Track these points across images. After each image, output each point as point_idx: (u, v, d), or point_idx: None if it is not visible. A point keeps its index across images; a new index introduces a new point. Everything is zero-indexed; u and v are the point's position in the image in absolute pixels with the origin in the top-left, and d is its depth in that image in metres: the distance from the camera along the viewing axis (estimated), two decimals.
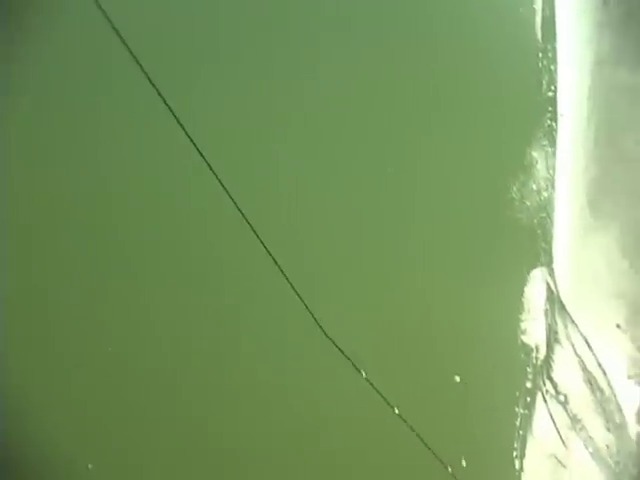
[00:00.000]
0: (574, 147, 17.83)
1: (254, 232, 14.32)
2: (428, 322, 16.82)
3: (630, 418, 16.45)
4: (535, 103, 18.25)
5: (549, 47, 18.43)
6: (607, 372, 16.65)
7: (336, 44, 18.26)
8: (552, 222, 17.62)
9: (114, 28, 11.79)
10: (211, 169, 13.53)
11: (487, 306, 16.96)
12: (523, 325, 17.18)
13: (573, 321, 17.00)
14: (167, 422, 16.11)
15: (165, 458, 15.94)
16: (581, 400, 16.73)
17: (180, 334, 16.55)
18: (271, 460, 16.07)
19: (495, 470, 16.53)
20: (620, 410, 16.47)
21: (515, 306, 17.26)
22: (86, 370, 16.20)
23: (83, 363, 16.25)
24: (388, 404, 15.29)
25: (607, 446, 16.40)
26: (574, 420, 16.64)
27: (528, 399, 16.89)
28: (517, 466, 16.57)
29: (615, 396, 16.54)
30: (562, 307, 17.13)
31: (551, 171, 17.87)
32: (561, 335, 17.06)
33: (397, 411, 15.45)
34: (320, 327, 15.39)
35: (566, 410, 16.73)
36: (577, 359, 16.87)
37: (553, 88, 18.23)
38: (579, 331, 16.93)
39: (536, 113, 18.19)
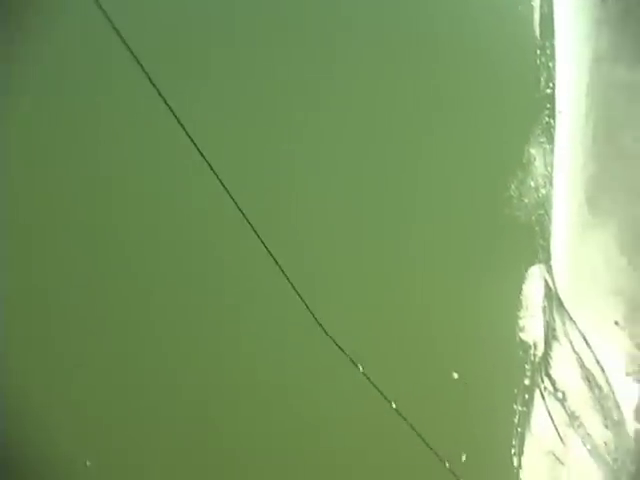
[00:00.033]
0: (572, 144, 17.82)
1: (254, 232, 14.28)
2: (426, 319, 16.84)
3: (628, 415, 16.43)
4: (533, 100, 18.24)
5: (547, 44, 18.42)
6: (605, 369, 16.64)
7: (336, 44, 18.31)
8: (550, 219, 17.63)
9: (114, 28, 11.73)
10: (212, 169, 13.47)
11: (485, 303, 16.95)
12: (521, 322, 17.19)
13: (571, 318, 17.00)
14: (167, 421, 16.16)
15: (165, 458, 15.99)
16: (579, 397, 16.73)
17: (180, 333, 16.61)
18: (270, 455, 16.13)
19: (493, 467, 16.56)
20: (618, 407, 16.46)
21: (513, 303, 17.26)
22: (86, 370, 16.25)
23: (83, 363, 16.29)
24: (385, 398, 15.30)
25: (605, 443, 16.40)
26: (572, 417, 16.65)
27: (526, 396, 16.90)
28: (515, 463, 16.58)
29: (613, 393, 16.54)
30: (560, 304, 17.13)
31: (549, 168, 17.88)
32: (559, 332, 17.06)
33: (394, 406, 15.48)
34: (320, 325, 15.37)
35: (564, 407, 16.74)
36: (575, 356, 16.86)
37: (551, 85, 18.22)
38: (577, 328, 16.93)
39: (534, 110, 18.18)
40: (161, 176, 17.26)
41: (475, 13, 18.57)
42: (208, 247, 16.97)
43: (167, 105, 12.61)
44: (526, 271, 17.40)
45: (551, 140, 17.99)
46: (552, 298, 17.22)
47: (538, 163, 17.88)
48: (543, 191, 17.76)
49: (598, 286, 16.92)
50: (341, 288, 16.99)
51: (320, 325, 15.31)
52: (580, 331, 16.92)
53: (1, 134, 16.91)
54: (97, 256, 16.89)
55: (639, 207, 17.01)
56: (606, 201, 17.26)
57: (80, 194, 17.09)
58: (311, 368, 16.36)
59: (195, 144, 13.09)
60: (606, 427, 16.50)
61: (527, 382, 17.00)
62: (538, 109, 18.16)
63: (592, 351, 16.78)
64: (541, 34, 18.52)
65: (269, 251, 14.62)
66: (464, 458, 16.09)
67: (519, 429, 16.76)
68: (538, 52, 18.40)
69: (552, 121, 18.07)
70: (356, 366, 15.61)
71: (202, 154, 13.19)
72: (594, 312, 16.91)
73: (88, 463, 15.76)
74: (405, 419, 15.43)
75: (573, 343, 16.93)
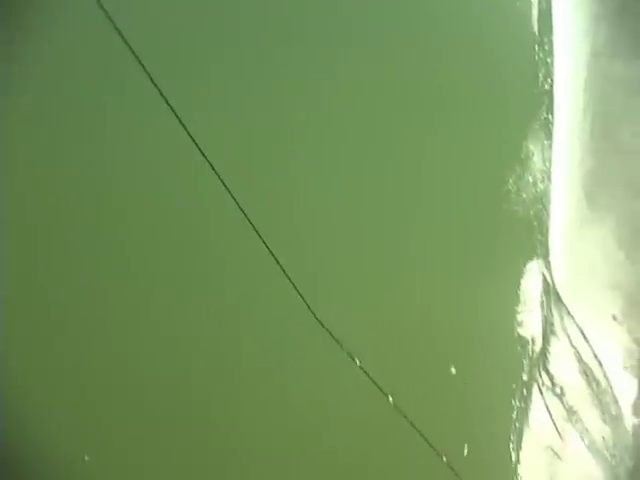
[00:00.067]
0: (570, 139, 17.82)
1: (256, 232, 14.28)
2: (424, 314, 16.83)
3: (626, 410, 16.42)
4: (532, 96, 18.24)
5: (546, 40, 18.44)
6: (603, 364, 16.61)
7: (337, 43, 18.34)
8: (548, 214, 17.63)
9: (116, 28, 11.74)
10: (213, 169, 13.49)
11: (483, 298, 16.95)
12: (519, 317, 17.19)
13: (569, 313, 16.99)
14: (167, 421, 16.17)
15: (165, 458, 16.02)
16: (577, 392, 16.72)
17: (180, 332, 16.63)
18: (267, 450, 16.17)
19: (492, 462, 16.54)
20: (616, 402, 16.44)
21: (511, 298, 17.27)
22: (86, 370, 16.27)
23: (83, 363, 16.31)
24: (382, 392, 15.29)
25: (603, 438, 16.38)
26: (570, 412, 16.63)
27: (524, 391, 16.89)
28: (514, 458, 16.58)
29: (611, 388, 16.52)
30: (558, 299, 17.12)
31: (547, 163, 17.88)
32: (557, 327, 17.05)
33: (391, 399, 15.47)
34: (316, 317, 15.35)
35: (562, 402, 16.73)
36: (573, 351, 16.85)
37: (550, 81, 18.23)
38: (575, 323, 16.91)
39: (533, 106, 18.18)
40: (161, 176, 17.30)
41: (474, 9, 18.60)
42: (209, 246, 17.01)
43: (169, 105, 12.62)
44: (524, 266, 17.40)
45: (549, 135, 17.99)
46: (550, 293, 17.22)
47: (536, 158, 17.88)
48: (541, 186, 17.76)
49: (596, 281, 16.91)
50: (339, 283, 17.01)
51: (316, 317, 15.30)
52: (578, 326, 16.91)
53: (1, 134, 16.98)
54: (97, 256, 16.91)
55: (637, 202, 17.01)
56: (604, 196, 17.25)
57: (80, 194, 17.13)
58: (312, 366, 16.40)
59: (196, 143, 13.10)
60: (604, 422, 16.48)
61: (525, 377, 17.00)
62: (536, 105, 18.16)
63: (590, 346, 16.76)
64: (539, 30, 18.54)
65: (270, 250, 14.61)
66: (465, 451, 16.10)
67: (517, 424, 16.76)
68: (536, 48, 18.43)
69: (550, 116, 18.08)
70: (353, 360, 15.61)
71: (203, 153, 13.19)
72: (592, 307, 16.90)
73: (86, 458, 15.82)
74: (402, 414, 15.42)
75: (571, 338, 16.92)
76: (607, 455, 16.33)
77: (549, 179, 17.77)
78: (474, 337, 16.70)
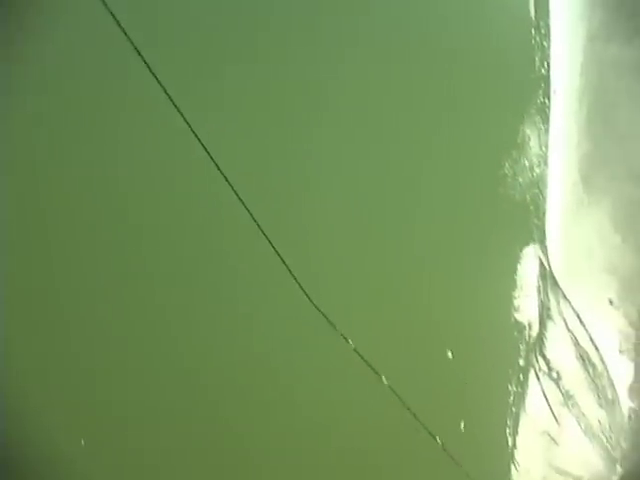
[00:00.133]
0: (567, 124, 17.74)
1: (261, 230, 14.28)
2: (420, 299, 16.83)
3: (622, 394, 16.37)
4: (528, 80, 18.15)
5: (542, 24, 18.36)
6: (599, 348, 16.56)
7: (337, 43, 18.33)
8: (545, 198, 17.55)
9: (120, 27, 11.72)
10: (219, 169, 13.46)
11: (480, 283, 16.93)
12: (516, 302, 17.14)
13: (566, 297, 16.93)
14: (172, 421, 16.22)
15: (166, 458, 16.06)
16: (574, 376, 16.67)
17: (180, 331, 16.66)
18: (270, 447, 16.20)
19: (488, 447, 16.52)
20: (612, 385, 16.39)
21: (508, 283, 17.21)
22: (87, 370, 16.31)
23: (84, 363, 16.35)
24: (375, 372, 15.27)
25: (599, 422, 16.34)
26: (567, 396, 16.59)
27: (521, 376, 16.87)
28: (510, 443, 16.56)
29: (607, 371, 16.46)
30: (555, 283, 17.06)
31: (544, 148, 17.81)
32: (553, 311, 16.99)
33: (385, 381, 15.45)
34: (307, 296, 15.30)
35: (559, 387, 16.68)
36: (570, 335, 16.81)
37: (546, 65, 18.16)
38: (572, 307, 16.85)
39: (529, 90, 18.09)
40: (164, 175, 17.30)
41: None
42: (214, 245, 17.05)
43: (174, 104, 12.60)
44: (520, 250, 17.35)
45: (546, 120, 17.91)
46: (546, 277, 17.17)
47: (533, 142, 17.80)
48: (538, 170, 17.69)
49: (593, 265, 16.85)
50: (337, 268, 17.02)
51: (307, 296, 15.20)
52: (574, 310, 16.85)
53: (1, 134, 17.02)
54: (98, 256, 16.95)
55: (633, 185, 16.94)
56: (600, 180, 17.19)
57: (81, 195, 17.15)
58: (319, 363, 16.48)
59: (200, 141, 13.07)
60: (600, 406, 16.43)
61: (521, 362, 16.95)
62: (533, 89, 18.07)
63: (586, 330, 16.71)
64: (536, 14, 18.47)
65: (275, 249, 14.57)
66: (462, 437, 16.08)
67: (514, 409, 16.73)
68: (533, 32, 18.36)
69: (547, 101, 18.01)
70: (347, 341, 15.57)
71: (208, 151, 13.14)
72: (588, 291, 16.85)
73: (83, 442, 15.83)
74: (397, 395, 15.39)
75: (567, 322, 16.86)
76: (603, 439, 16.30)
77: (545, 163, 17.71)
78: (470, 322, 16.67)
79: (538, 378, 16.81)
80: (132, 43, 11.56)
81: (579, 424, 16.41)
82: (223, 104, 17.50)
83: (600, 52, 17.55)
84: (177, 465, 15.99)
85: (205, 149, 12.91)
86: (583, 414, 16.42)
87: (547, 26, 18.25)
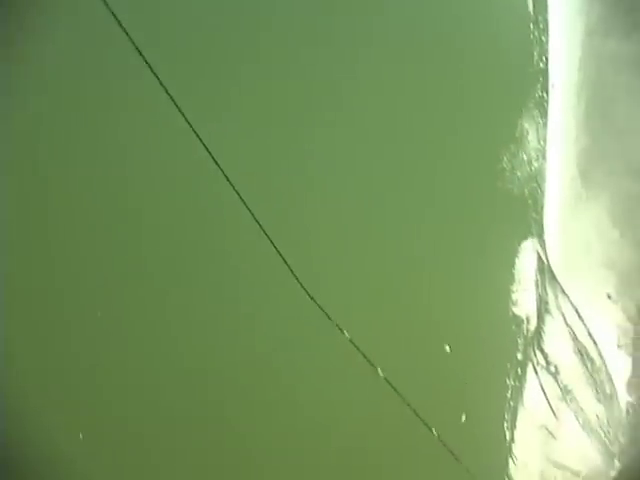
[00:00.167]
0: (565, 118, 17.77)
1: (262, 230, 14.22)
2: (419, 293, 16.87)
3: (620, 388, 16.40)
4: (527, 74, 18.20)
5: (540, 18, 18.37)
6: (597, 342, 16.60)
7: (339, 43, 18.33)
8: (543, 193, 17.60)
9: (122, 27, 11.64)
10: (220, 169, 13.39)
11: (478, 277, 16.97)
12: (514, 296, 17.19)
13: (564, 291, 16.98)
14: (171, 421, 16.25)
15: (166, 458, 16.11)
16: (572, 371, 16.70)
17: (179, 331, 16.70)
18: (269, 443, 16.27)
19: (486, 441, 16.56)
20: (610, 380, 16.43)
21: (506, 277, 17.26)
22: (87, 371, 16.33)
23: (84, 363, 16.37)
24: (371, 364, 15.26)
25: (597, 416, 16.38)
26: (564, 391, 16.63)
27: (519, 370, 16.91)
28: (508, 437, 16.60)
29: (605, 366, 16.50)
30: (553, 278, 17.11)
31: (542, 142, 17.85)
32: (552, 306, 17.04)
33: (381, 373, 15.44)
34: (300, 283, 15.24)
35: (557, 381, 16.72)
36: (568, 329, 16.84)
37: (544, 59, 18.17)
38: (570, 301, 16.90)
39: (528, 84, 18.15)
40: (166, 175, 17.35)
41: None
42: (217, 245, 17.09)
43: (175, 104, 12.53)
44: (519, 245, 17.39)
45: (544, 114, 17.95)
46: (545, 272, 17.21)
47: (531, 137, 17.85)
48: (536, 164, 17.73)
49: (591, 259, 16.88)
50: (337, 262, 17.06)
51: (300, 284, 15.12)
52: (572, 304, 16.89)
53: (2, 134, 16.97)
54: (99, 256, 16.96)
55: (631, 180, 16.96)
56: (598, 174, 17.21)
57: (81, 195, 17.19)
58: (320, 362, 16.55)
59: (202, 141, 13.01)
60: (598, 400, 16.47)
61: (520, 356, 17.00)
62: (531, 83, 18.11)
63: (584, 324, 16.74)
64: (534, 8, 18.46)
65: (276, 248, 14.51)
66: (460, 431, 16.11)
67: (512, 403, 16.77)
68: (531, 26, 18.36)
69: (545, 95, 18.03)
70: (342, 332, 15.53)
71: (209, 151, 13.08)
72: (587, 285, 16.88)
73: (81, 436, 15.86)
74: (393, 387, 15.39)
75: (565, 316, 16.90)
76: (601, 433, 16.34)
77: (544, 157, 17.74)
78: (469, 316, 16.71)
79: (536, 372, 16.85)
80: (133, 43, 11.50)
81: (577, 418, 16.45)
82: (224, 104, 17.48)
83: (598, 47, 17.56)
84: (177, 465, 16.02)
85: (207, 149, 12.81)
86: (581, 408, 16.47)
87: (545, 21, 18.27)
